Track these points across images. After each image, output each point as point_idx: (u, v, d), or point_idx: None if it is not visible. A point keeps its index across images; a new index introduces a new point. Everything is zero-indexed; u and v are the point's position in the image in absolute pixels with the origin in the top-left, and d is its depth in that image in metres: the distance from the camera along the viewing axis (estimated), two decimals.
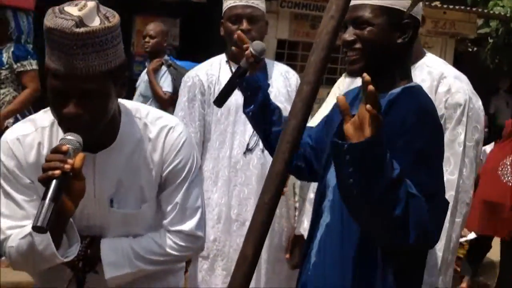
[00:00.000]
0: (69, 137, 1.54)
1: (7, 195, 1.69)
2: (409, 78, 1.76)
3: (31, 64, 4.49)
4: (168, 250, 1.78)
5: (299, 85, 1.55)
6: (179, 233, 1.78)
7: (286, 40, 8.57)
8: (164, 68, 5.14)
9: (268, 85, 2.07)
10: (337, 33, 1.52)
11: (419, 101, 1.69)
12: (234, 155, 2.73)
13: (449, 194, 2.08)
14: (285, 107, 2.78)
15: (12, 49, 4.46)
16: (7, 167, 1.68)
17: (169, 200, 1.78)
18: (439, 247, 2.10)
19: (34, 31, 4.76)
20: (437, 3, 7.88)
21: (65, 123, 1.56)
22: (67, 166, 1.48)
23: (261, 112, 2.03)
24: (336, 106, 1.87)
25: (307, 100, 1.52)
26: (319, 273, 1.75)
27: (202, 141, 2.78)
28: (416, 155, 1.59)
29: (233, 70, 2.72)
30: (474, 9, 8.66)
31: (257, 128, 2.12)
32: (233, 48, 2.12)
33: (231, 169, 2.74)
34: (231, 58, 2.78)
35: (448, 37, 8.58)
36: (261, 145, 2.68)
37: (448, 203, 1.71)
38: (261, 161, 2.73)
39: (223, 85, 2.66)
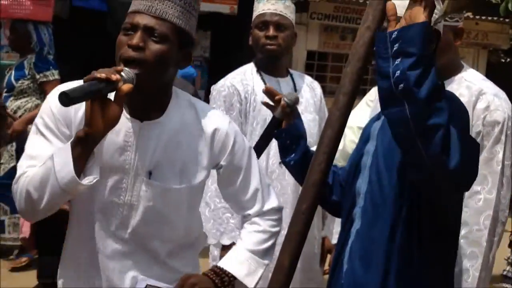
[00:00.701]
0: (125, 68, 1.60)
1: (40, 136, 1.68)
2: None
3: (53, 74, 4.62)
4: (272, 229, 1.90)
5: (335, 95, 1.55)
6: (272, 210, 1.91)
7: (316, 51, 8.59)
8: None
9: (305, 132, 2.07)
10: (373, 43, 1.52)
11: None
12: (270, 165, 2.74)
13: (487, 214, 2.09)
14: (314, 117, 2.84)
15: (33, 60, 4.59)
16: (52, 111, 1.68)
17: (245, 189, 1.87)
18: (475, 267, 2.10)
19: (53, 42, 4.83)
20: (469, 14, 7.82)
21: (124, 53, 1.62)
22: (114, 77, 1.52)
23: (303, 159, 2.00)
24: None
25: (343, 109, 1.52)
26: (352, 280, 1.74)
27: None
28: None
29: (264, 79, 2.76)
30: (506, 20, 8.56)
31: (299, 176, 2.04)
32: (261, 102, 2.12)
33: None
34: (260, 67, 2.80)
35: (480, 48, 8.50)
36: None
37: (478, 144, 1.68)
38: None
39: (258, 95, 2.70)
